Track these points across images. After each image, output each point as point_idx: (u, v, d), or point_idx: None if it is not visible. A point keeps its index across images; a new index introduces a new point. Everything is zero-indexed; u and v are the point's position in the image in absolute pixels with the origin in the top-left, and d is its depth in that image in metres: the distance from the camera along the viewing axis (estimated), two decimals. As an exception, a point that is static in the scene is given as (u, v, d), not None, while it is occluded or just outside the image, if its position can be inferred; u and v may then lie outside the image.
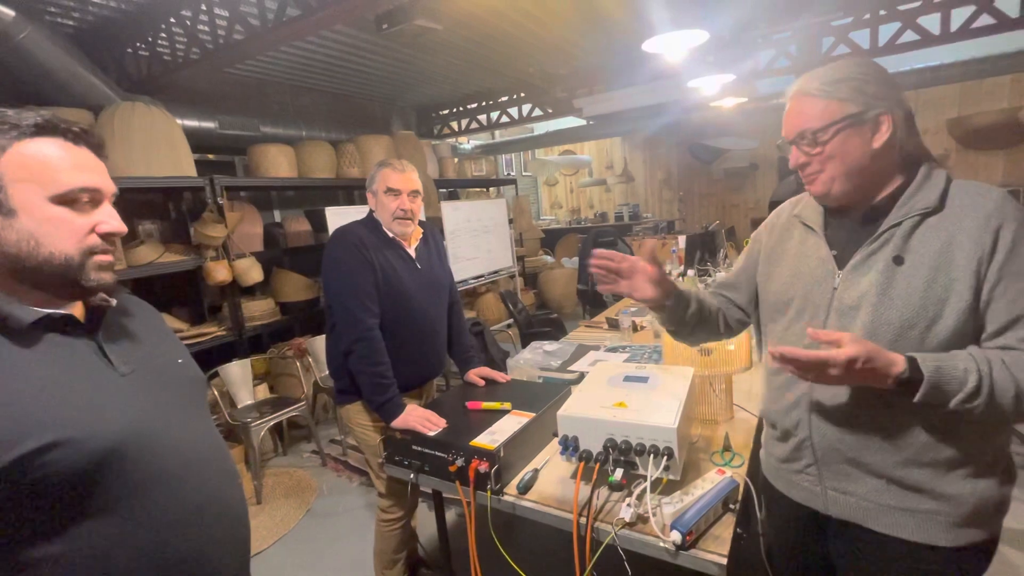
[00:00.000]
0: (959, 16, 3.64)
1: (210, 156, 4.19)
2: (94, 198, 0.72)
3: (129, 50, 3.34)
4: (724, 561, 0.98)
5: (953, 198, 0.87)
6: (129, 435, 0.67)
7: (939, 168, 0.90)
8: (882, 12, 3.87)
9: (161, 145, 2.99)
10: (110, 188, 0.74)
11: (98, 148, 0.75)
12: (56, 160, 0.68)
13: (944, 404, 0.80)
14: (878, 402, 0.88)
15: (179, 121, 3.31)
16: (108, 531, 0.65)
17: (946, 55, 4.56)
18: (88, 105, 2.93)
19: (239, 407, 3.06)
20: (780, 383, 1.03)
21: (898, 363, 0.80)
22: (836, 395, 0.93)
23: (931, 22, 3.72)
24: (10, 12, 2.52)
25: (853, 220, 0.96)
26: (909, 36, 3.82)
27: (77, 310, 0.74)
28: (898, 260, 0.87)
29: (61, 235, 0.68)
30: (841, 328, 0.91)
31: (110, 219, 0.73)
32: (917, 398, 0.79)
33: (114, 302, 0.77)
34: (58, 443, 0.61)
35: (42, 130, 0.68)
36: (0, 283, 0.67)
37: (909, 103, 0.89)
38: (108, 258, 0.74)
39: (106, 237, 0.73)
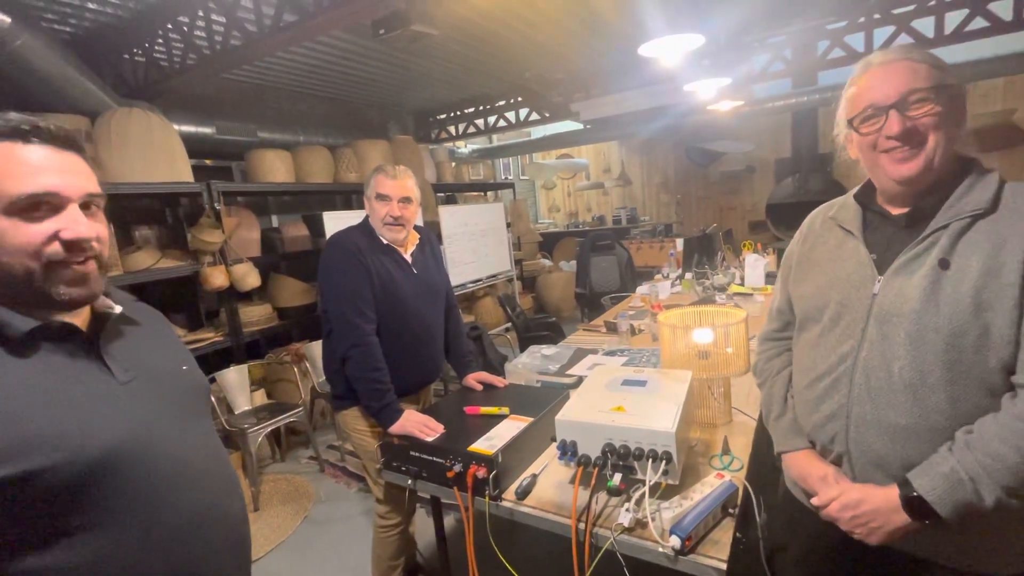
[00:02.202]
0: (953, 19, 3.67)
1: (207, 161, 4.19)
2: (53, 203, 0.65)
3: (126, 56, 3.34)
4: (724, 566, 0.97)
5: (1007, 200, 0.81)
6: (123, 445, 0.66)
7: (991, 170, 0.85)
8: (876, 16, 3.89)
9: (158, 151, 2.99)
10: (77, 189, 0.67)
11: (63, 142, 0.67)
12: (5, 167, 0.62)
13: (979, 510, 0.76)
14: (928, 417, 0.82)
15: (176, 127, 3.31)
16: (104, 541, 0.64)
17: (942, 57, 4.59)
18: (85, 111, 2.93)
19: (236, 413, 3.04)
20: (815, 394, 0.96)
21: (893, 492, 0.83)
22: (879, 407, 0.86)
23: (925, 25, 3.75)
24: (6, 19, 2.52)
25: (895, 223, 0.91)
26: (904, 40, 3.84)
27: (80, 318, 0.72)
28: (944, 264, 0.81)
29: (14, 247, 0.62)
30: (882, 337, 0.86)
31: (73, 224, 0.65)
32: (946, 515, 0.77)
33: (118, 309, 0.75)
34: (49, 454, 0.60)
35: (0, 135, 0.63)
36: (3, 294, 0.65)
37: None
38: (83, 269, 0.67)
39: (71, 245, 0.65)
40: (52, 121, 0.68)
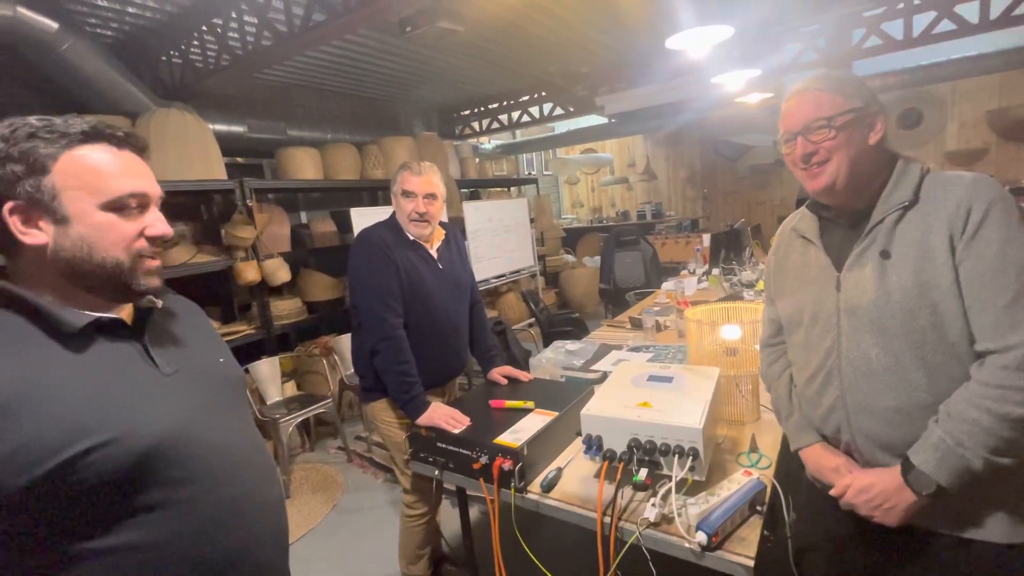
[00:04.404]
0: (999, 3, 3.50)
1: (239, 159, 4.31)
2: (142, 202, 0.73)
3: (163, 58, 3.46)
4: (751, 563, 0.97)
5: (927, 190, 0.90)
6: (170, 434, 0.69)
7: (914, 163, 0.94)
8: (916, 1, 3.74)
9: (194, 149, 3.10)
10: (156, 192, 0.76)
11: (142, 151, 0.75)
12: (104, 166, 0.69)
13: (974, 473, 0.82)
14: (913, 395, 0.88)
15: (210, 126, 3.41)
16: (152, 526, 0.67)
17: (985, 44, 4.38)
18: (126, 112, 3.05)
19: (268, 404, 3.14)
20: (814, 390, 1.04)
21: (897, 472, 0.89)
22: (869, 393, 0.93)
23: (969, 10, 3.59)
24: (53, 24, 2.64)
25: (844, 226, 1.01)
26: (945, 26, 3.68)
27: (125, 313, 0.76)
28: (885, 254, 0.91)
29: (111, 241, 0.70)
30: (853, 329, 0.95)
31: (157, 223, 0.74)
32: (945, 483, 0.83)
33: (160, 304, 0.79)
34: (103, 444, 0.63)
35: (89, 137, 0.69)
36: (55, 287, 0.69)
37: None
38: (157, 263, 0.75)
39: (154, 241, 0.74)
40: (131, 129, 0.75)
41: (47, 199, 0.66)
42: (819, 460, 1.05)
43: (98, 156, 0.69)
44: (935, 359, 0.86)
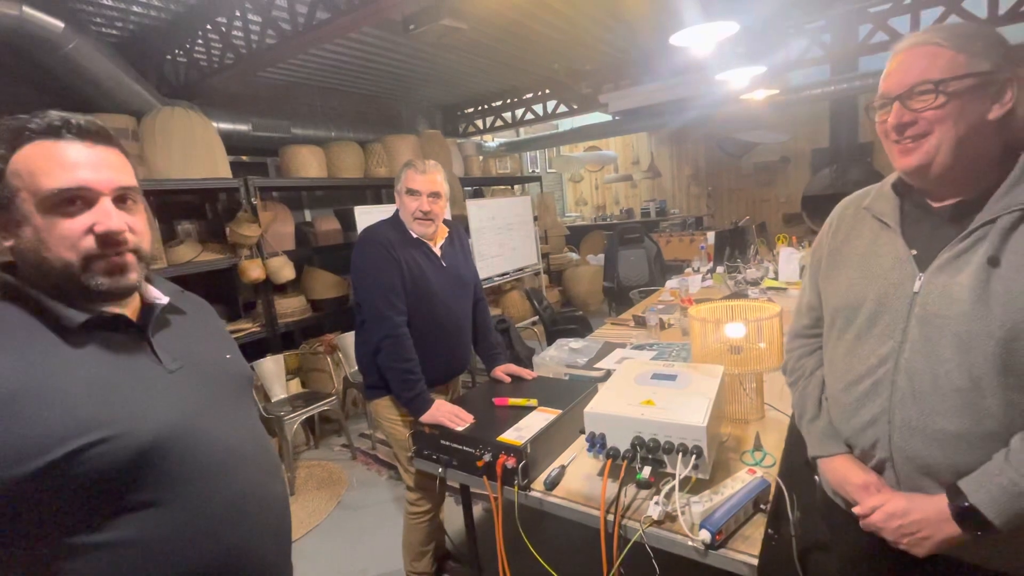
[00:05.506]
0: (1009, -3, 3.46)
1: (244, 158, 4.32)
2: (87, 197, 0.67)
3: (168, 57, 3.47)
4: (755, 562, 0.96)
5: None
6: (172, 430, 0.69)
7: None
8: (924, -4, 3.71)
9: (198, 148, 3.11)
10: (107, 183, 0.68)
11: (96, 136, 0.68)
12: (40, 164, 0.65)
13: None
14: (981, 423, 0.77)
15: (214, 124, 3.42)
16: (153, 522, 0.67)
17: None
18: (131, 111, 3.07)
19: (273, 401, 3.16)
20: (853, 398, 0.91)
21: (942, 502, 0.78)
22: (926, 413, 0.81)
23: (977, 5, 3.55)
24: (59, 24, 2.65)
25: (937, 216, 0.85)
26: (953, 21, 3.64)
27: (131, 309, 0.75)
28: (993, 262, 0.76)
29: (54, 242, 0.66)
30: (925, 339, 0.81)
31: (104, 218, 0.67)
32: (1002, 525, 0.73)
33: (165, 300, 0.78)
34: (103, 439, 0.63)
35: (35, 133, 0.66)
36: (54, 286, 0.68)
37: None
38: (120, 260, 0.69)
39: (106, 238, 0.67)
40: (85, 116, 0.69)
41: (6, 204, 0.65)
42: (845, 474, 0.93)
43: (37, 154, 0.65)
44: (1021, 387, 0.75)
